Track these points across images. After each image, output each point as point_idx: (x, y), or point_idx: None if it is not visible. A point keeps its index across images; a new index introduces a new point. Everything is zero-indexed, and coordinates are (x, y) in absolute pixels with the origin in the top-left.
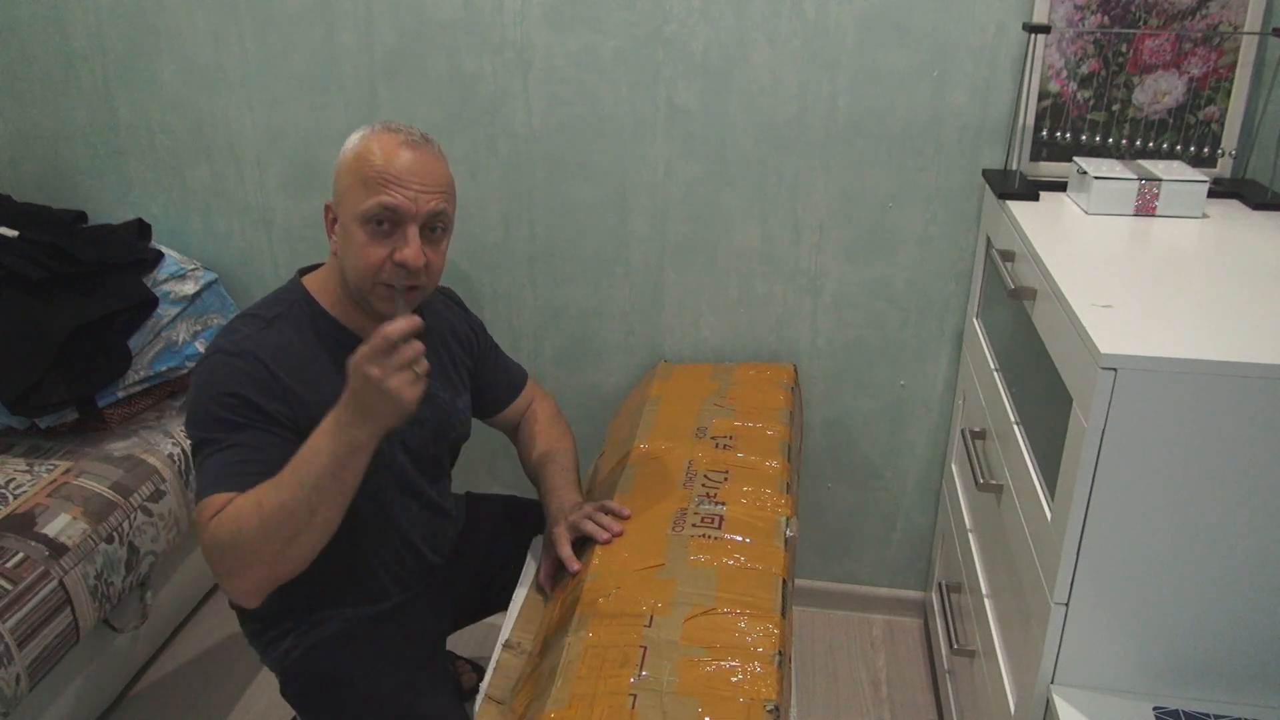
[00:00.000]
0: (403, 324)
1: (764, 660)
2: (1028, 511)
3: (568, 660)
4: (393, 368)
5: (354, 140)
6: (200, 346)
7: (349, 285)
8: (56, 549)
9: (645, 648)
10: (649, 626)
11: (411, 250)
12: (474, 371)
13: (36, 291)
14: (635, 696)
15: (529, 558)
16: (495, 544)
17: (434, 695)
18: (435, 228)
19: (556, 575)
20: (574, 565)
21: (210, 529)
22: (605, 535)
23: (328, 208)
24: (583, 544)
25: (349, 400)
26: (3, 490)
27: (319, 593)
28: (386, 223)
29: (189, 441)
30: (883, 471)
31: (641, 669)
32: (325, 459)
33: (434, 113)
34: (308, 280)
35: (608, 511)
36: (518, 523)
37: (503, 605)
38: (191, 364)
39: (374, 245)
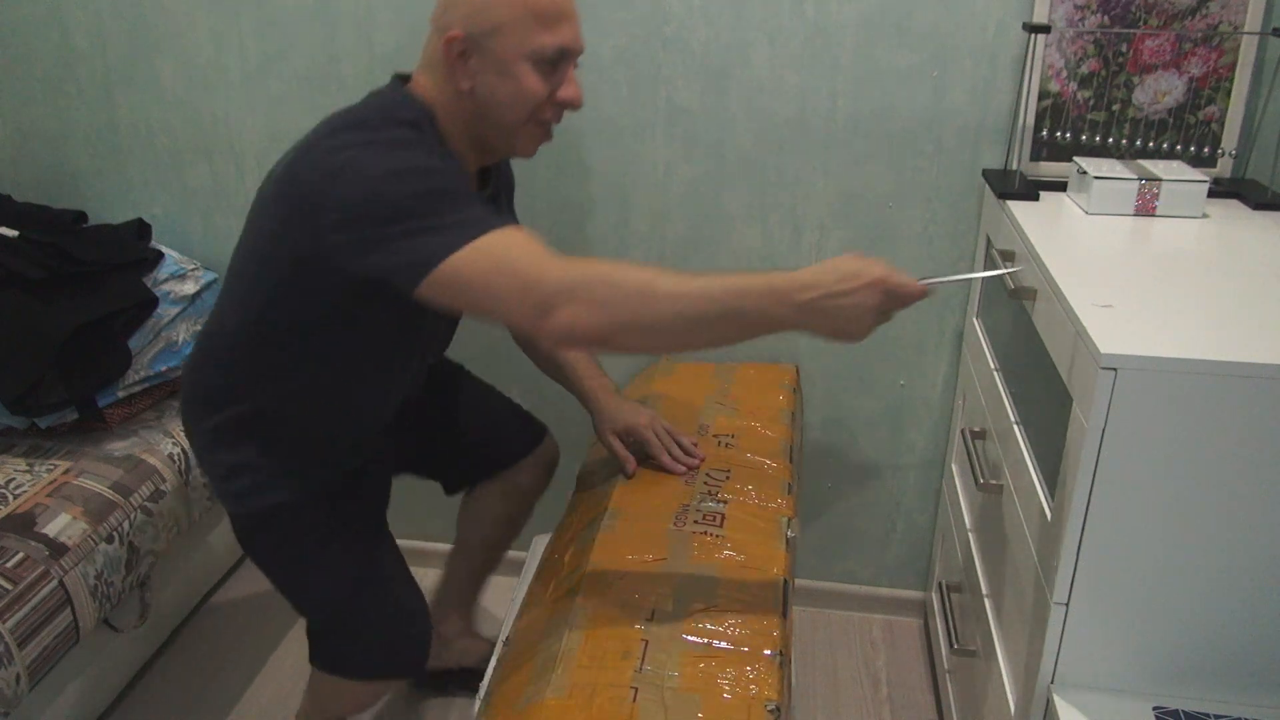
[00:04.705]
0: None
1: (765, 660)
2: (1028, 511)
3: (568, 648)
4: (890, 313)
5: None
6: None
7: (487, 122)
8: (56, 549)
9: (647, 641)
10: (651, 620)
11: (577, 89)
12: None
13: (36, 291)
14: (636, 690)
15: (528, 556)
16: (450, 414)
17: (387, 562)
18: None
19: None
20: (631, 465)
21: (560, 263)
22: (669, 461)
23: (456, 39)
24: (586, 537)
25: (828, 302)
26: (3, 490)
27: (292, 439)
28: (556, 61)
29: (351, 235)
30: (883, 471)
31: (643, 662)
32: (751, 317)
33: None
34: (423, 97)
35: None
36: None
37: (439, 474)
38: None
39: (542, 83)
